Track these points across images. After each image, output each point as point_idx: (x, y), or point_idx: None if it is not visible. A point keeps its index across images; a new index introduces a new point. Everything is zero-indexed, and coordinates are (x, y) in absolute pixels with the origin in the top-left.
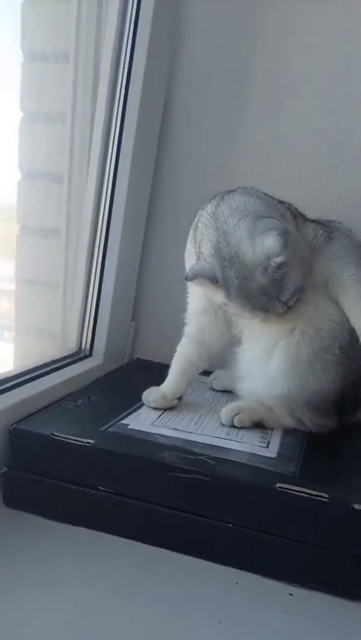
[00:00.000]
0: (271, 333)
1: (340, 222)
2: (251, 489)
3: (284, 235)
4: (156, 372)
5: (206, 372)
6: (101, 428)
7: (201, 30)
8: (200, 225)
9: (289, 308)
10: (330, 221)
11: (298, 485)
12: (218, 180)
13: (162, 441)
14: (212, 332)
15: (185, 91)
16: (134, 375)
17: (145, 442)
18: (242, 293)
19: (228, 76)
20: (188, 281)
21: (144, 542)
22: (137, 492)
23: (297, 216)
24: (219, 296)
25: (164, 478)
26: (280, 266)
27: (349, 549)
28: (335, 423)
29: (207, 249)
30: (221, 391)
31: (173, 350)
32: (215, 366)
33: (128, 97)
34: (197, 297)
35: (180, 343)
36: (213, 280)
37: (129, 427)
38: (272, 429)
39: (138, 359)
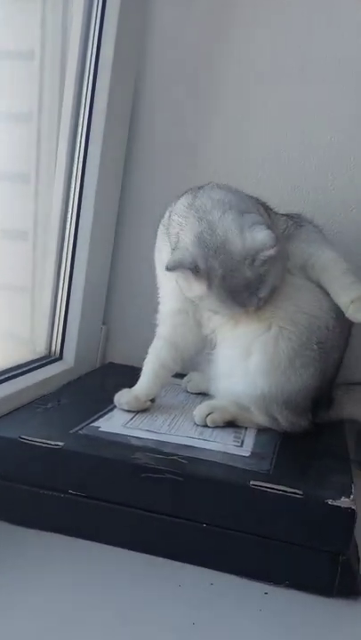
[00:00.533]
0: (247, 332)
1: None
2: (224, 487)
3: (270, 228)
4: (129, 376)
5: (180, 375)
6: (71, 431)
7: (168, 28)
8: (175, 217)
9: (260, 305)
10: (297, 214)
11: (272, 482)
12: (188, 180)
13: (134, 442)
14: (185, 333)
15: (153, 90)
16: (106, 379)
17: (116, 443)
18: (225, 286)
19: (195, 75)
20: (169, 271)
21: (116, 545)
22: (108, 495)
23: (267, 210)
24: (198, 288)
25: (135, 479)
26: (267, 260)
27: (325, 546)
28: (309, 422)
29: (189, 238)
30: (196, 393)
31: (146, 354)
32: (189, 368)
33: (95, 95)
34: (170, 297)
35: (153, 345)
36: (195, 270)
37: (100, 429)
38: (246, 428)
39: (110, 363)
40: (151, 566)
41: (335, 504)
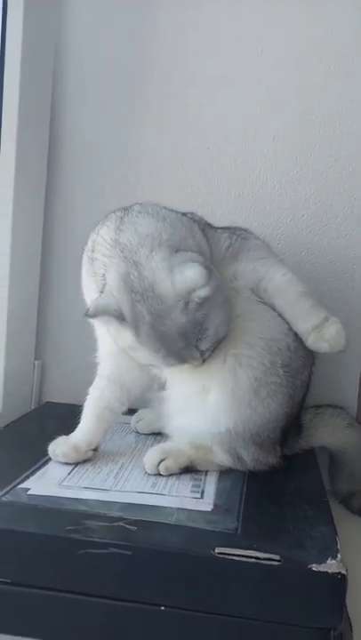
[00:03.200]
0: (201, 371)
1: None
2: (182, 558)
3: (208, 268)
4: (71, 417)
5: (129, 411)
6: None
7: (88, 34)
8: (99, 256)
9: (205, 360)
10: (241, 228)
11: (241, 547)
12: (118, 196)
13: (70, 507)
14: (131, 372)
15: (73, 100)
16: (44, 423)
17: (48, 511)
18: (155, 334)
19: (121, 82)
20: (90, 318)
21: None
22: (40, 580)
23: (205, 227)
24: (126, 338)
25: (72, 558)
26: (203, 302)
27: (312, 622)
28: (278, 458)
29: (114, 281)
30: (147, 434)
31: (88, 391)
32: (139, 405)
33: (3, 113)
34: (107, 339)
35: (94, 385)
36: (120, 318)
37: (29, 492)
38: (206, 473)
39: (48, 403)
40: None
41: (320, 569)
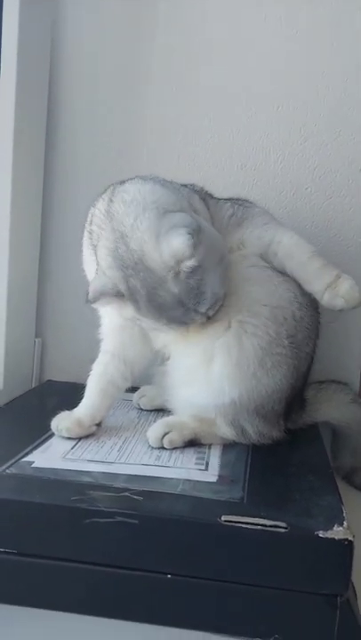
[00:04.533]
0: (204, 337)
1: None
2: (189, 527)
3: (196, 232)
4: (73, 394)
5: (131, 388)
6: None
7: (87, 3)
8: (94, 227)
9: (209, 318)
10: (242, 199)
11: (248, 515)
12: (119, 169)
13: (75, 478)
14: (135, 347)
15: (72, 71)
16: (45, 400)
17: (53, 482)
18: (153, 306)
19: (121, 53)
20: (91, 304)
21: (61, 610)
22: (46, 550)
23: (206, 197)
24: (128, 311)
25: (79, 527)
26: (194, 270)
27: (319, 588)
28: (281, 431)
29: (104, 258)
30: (150, 410)
31: (91, 368)
32: (141, 382)
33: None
34: (110, 314)
35: (98, 360)
36: (119, 295)
37: (33, 465)
38: (210, 446)
39: (49, 381)
40: (105, 631)
41: (327, 536)
